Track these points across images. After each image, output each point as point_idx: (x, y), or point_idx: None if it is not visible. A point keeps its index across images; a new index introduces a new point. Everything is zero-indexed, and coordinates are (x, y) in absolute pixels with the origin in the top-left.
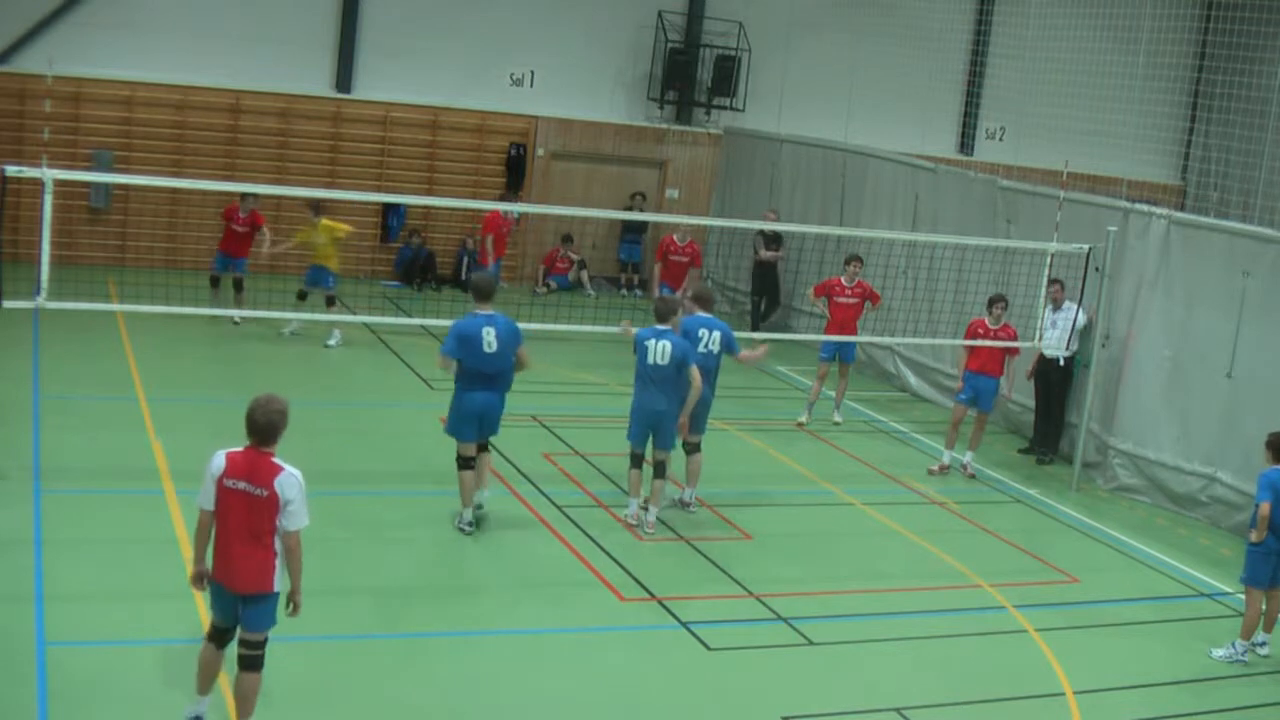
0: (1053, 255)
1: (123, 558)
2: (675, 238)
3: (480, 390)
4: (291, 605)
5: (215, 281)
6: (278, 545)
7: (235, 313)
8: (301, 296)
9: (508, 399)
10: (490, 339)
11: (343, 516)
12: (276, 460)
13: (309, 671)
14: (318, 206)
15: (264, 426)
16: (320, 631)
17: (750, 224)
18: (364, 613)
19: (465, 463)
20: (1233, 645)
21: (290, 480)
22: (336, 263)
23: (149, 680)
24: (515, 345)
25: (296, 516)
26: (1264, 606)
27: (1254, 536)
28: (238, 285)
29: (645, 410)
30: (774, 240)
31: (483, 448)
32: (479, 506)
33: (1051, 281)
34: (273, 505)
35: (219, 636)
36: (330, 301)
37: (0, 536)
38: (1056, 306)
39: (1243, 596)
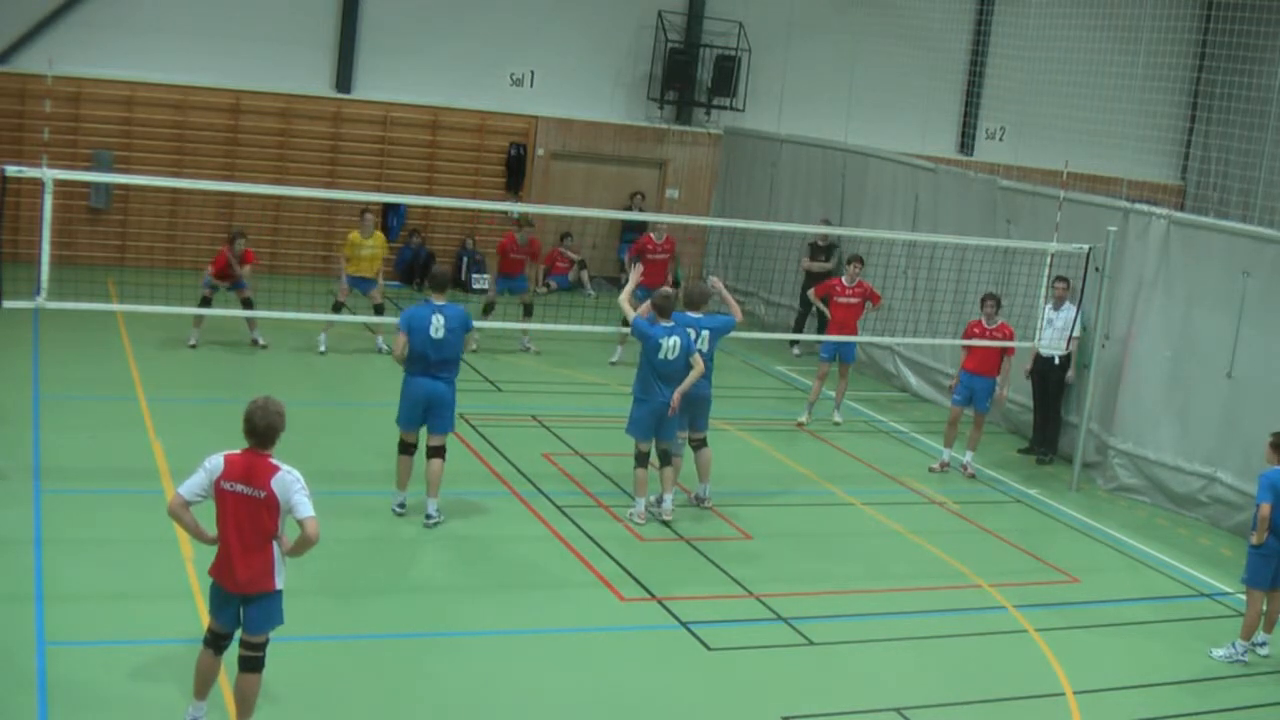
0: (1053, 255)
1: (123, 558)
2: (653, 235)
3: (423, 376)
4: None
5: (207, 301)
6: (276, 546)
7: (249, 314)
8: (336, 309)
9: (507, 400)
10: (438, 325)
11: (342, 517)
12: (274, 461)
13: (309, 671)
14: (364, 211)
15: (263, 429)
16: (320, 631)
17: (803, 228)
18: (364, 613)
19: (404, 447)
20: (1233, 645)
21: (287, 479)
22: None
23: (149, 680)
24: (464, 333)
25: (302, 506)
26: (1264, 607)
27: (1254, 539)
28: (246, 304)
29: (656, 404)
30: (822, 251)
31: (436, 453)
32: (429, 516)
33: (1057, 279)
34: (272, 506)
35: (217, 642)
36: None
37: (0, 536)
38: (1057, 305)
39: (1243, 597)
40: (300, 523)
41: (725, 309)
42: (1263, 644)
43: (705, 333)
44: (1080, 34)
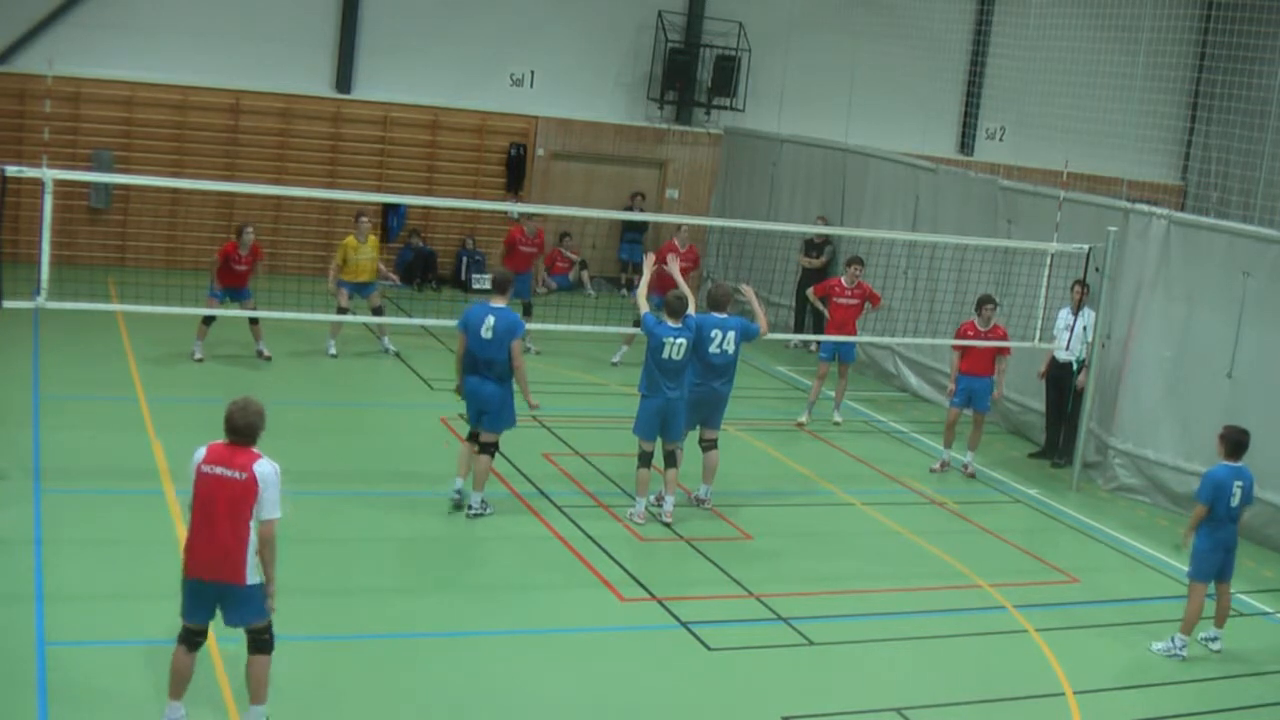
0: (1053, 255)
1: (123, 558)
2: (676, 242)
3: (473, 375)
4: (269, 600)
5: (210, 319)
6: (251, 537)
7: (249, 312)
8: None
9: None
10: (489, 325)
11: (342, 517)
12: (256, 450)
13: (309, 671)
14: (360, 215)
15: (243, 428)
16: (320, 631)
17: (802, 228)
18: (364, 613)
19: (470, 435)
20: (1172, 640)
21: (268, 469)
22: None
23: (149, 680)
24: (510, 338)
25: (272, 505)
26: (1201, 600)
27: (1186, 540)
28: (252, 319)
29: (660, 401)
30: (816, 247)
31: (484, 449)
32: (470, 508)
33: (1075, 283)
34: (250, 488)
35: (190, 639)
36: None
37: (0, 536)
38: (1075, 309)
39: (1242, 596)
40: (262, 522)
41: (752, 314)
42: (1214, 639)
43: (731, 334)
44: (1080, 34)
